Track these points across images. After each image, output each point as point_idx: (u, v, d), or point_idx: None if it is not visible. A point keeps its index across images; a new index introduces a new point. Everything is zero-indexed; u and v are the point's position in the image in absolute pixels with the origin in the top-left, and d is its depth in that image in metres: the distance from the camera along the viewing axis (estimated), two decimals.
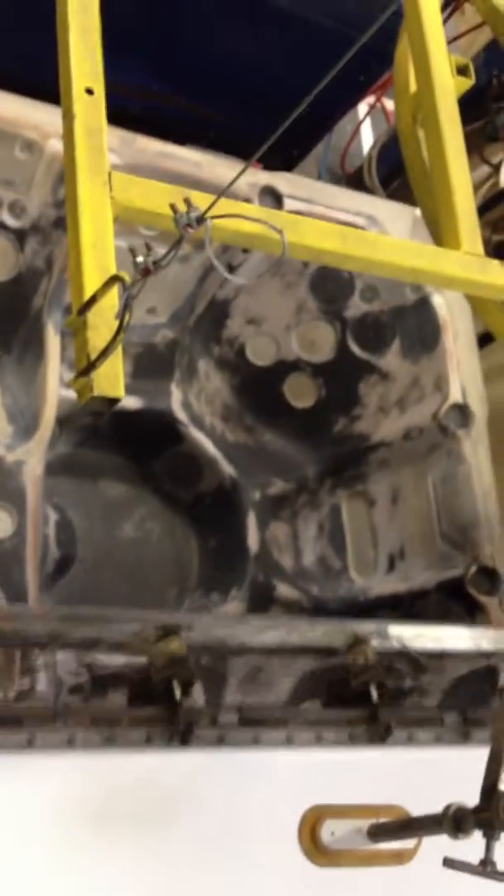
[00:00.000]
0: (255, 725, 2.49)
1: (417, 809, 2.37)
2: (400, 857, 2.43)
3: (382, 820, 2.39)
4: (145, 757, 2.31)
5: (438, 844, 2.16)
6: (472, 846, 2.10)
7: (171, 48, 4.01)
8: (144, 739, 2.30)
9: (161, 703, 2.33)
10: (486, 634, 2.94)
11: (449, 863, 2.09)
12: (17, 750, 2.18)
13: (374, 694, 2.60)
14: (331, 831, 2.35)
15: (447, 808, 2.12)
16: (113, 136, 3.45)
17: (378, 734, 2.60)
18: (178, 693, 2.31)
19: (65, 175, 2.04)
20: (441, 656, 2.82)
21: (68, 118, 2.05)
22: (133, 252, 1.77)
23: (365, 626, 2.72)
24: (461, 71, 2.79)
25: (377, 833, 2.37)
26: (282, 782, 2.42)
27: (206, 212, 1.73)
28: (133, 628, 2.36)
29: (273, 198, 3.65)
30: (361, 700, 2.61)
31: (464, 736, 2.78)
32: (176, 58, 4.07)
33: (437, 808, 2.16)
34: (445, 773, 2.62)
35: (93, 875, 2.16)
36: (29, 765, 2.21)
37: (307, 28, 3.88)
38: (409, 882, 2.42)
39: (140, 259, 1.75)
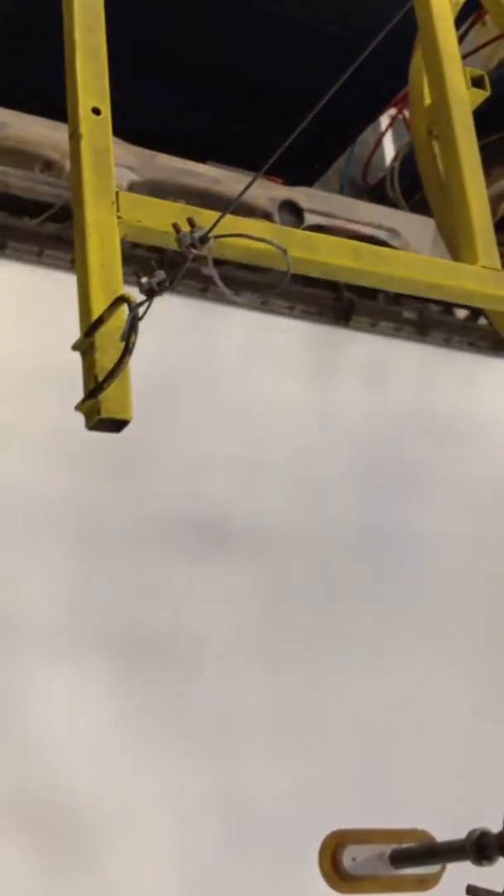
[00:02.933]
0: (234, 285, 2.70)
1: None
2: (424, 883, 2.38)
3: (405, 845, 2.34)
4: None
5: (463, 869, 2.11)
6: (497, 872, 2.05)
7: (190, 65, 4.01)
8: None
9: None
10: None
11: (472, 891, 2.04)
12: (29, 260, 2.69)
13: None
14: (352, 857, 2.31)
15: (471, 833, 2.08)
16: (131, 154, 3.47)
17: (342, 312, 2.92)
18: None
19: (72, 196, 2.03)
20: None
21: (75, 138, 2.04)
22: (138, 273, 1.75)
23: None
24: (476, 83, 2.75)
25: (400, 859, 2.32)
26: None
27: (209, 231, 1.71)
28: None
29: (293, 212, 3.62)
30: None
31: (422, 332, 3.03)
32: (195, 75, 4.07)
33: None
34: (402, 366, 3.01)
35: None
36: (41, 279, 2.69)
37: (326, 42, 3.86)
38: None
39: (144, 280, 1.73)
